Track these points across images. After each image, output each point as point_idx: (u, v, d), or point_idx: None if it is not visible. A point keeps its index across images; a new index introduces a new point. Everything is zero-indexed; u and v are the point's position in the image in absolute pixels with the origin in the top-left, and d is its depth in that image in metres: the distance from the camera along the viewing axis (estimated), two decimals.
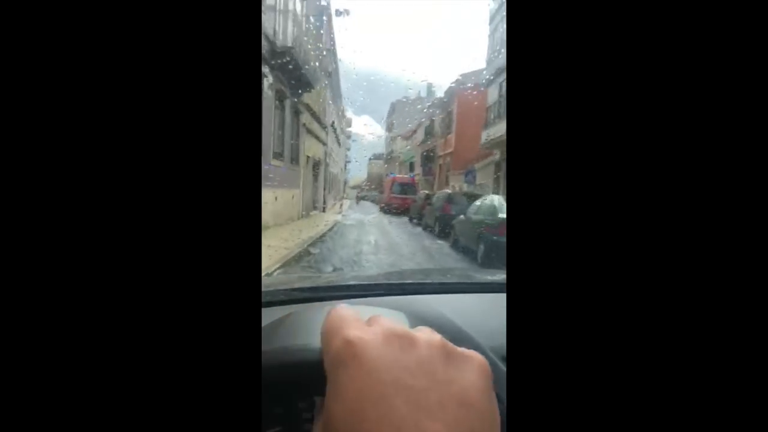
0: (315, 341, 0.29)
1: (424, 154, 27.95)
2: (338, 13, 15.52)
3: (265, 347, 0.31)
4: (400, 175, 25.04)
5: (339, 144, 28.10)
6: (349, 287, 0.89)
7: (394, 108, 58.47)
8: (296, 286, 0.86)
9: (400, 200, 20.01)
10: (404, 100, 56.23)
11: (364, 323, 0.26)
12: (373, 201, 37.72)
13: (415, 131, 36.14)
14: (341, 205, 17.41)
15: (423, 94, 51.45)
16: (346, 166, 54.95)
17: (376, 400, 0.21)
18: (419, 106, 45.14)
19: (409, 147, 37.60)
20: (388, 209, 20.00)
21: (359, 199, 47.30)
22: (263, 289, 0.73)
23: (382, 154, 63.48)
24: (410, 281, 1.02)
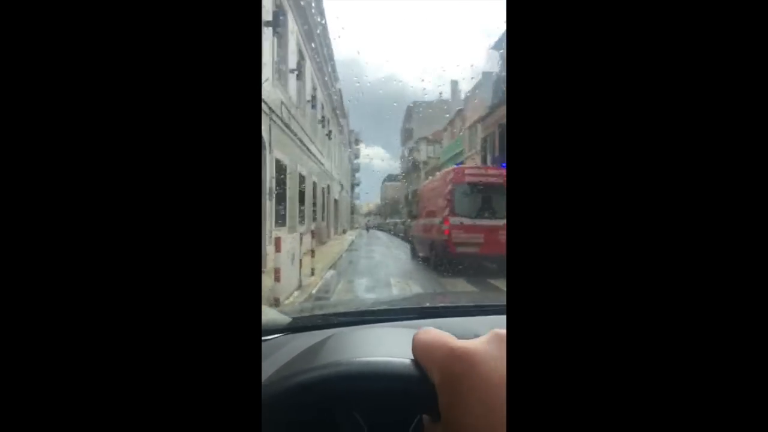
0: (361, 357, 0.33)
1: (494, 134, 14.53)
2: None
3: (311, 365, 0.34)
4: (475, 167, 11.15)
5: (329, 137, 15.72)
6: (385, 312, 0.96)
7: (410, 112, 48.60)
8: (331, 311, 1.01)
9: (486, 236, 7.35)
10: (422, 102, 46.98)
11: (453, 337, 0.28)
12: (389, 231, 26.12)
13: (459, 112, 23.57)
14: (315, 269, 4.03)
15: (445, 95, 42.10)
16: (353, 188, 44.70)
17: (501, 405, 0.23)
18: (445, 107, 36.19)
19: (461, 134, 24.25)
20: (449, 264, 7.22)
21: (369, 228, 35.81)
22: (296, 315, 0.84)
23: (397, 176, 54.43)
24: (442, 305, 1.09)
